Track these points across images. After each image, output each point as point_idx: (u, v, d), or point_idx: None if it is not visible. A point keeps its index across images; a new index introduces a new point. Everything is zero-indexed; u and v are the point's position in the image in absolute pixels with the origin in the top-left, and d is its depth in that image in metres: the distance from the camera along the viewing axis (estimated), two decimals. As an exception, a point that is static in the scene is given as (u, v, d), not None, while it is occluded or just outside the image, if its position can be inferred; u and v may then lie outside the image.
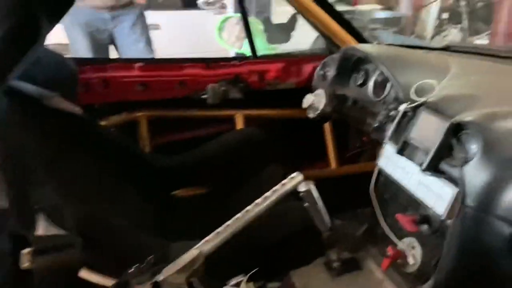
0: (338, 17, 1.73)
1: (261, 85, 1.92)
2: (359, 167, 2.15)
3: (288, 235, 1.20)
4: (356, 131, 2.15)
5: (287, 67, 1.94)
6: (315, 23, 1.76)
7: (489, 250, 0.94)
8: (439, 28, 6.08)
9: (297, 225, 1.22)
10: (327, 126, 2.07)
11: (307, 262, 1.26)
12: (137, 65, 1.73)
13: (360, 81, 1.56)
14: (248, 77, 1.88)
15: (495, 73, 1.33)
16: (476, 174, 0.94)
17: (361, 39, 1.80)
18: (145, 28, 3.01)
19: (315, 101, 1.47)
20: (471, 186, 0.94)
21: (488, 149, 0.93)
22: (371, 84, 1.51)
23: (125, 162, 1.36)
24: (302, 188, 1.11)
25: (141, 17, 2.98)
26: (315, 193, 1.12)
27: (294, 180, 1.16)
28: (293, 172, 1.06)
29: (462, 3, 5.88)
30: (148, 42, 3.01)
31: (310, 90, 1.66)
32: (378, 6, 6.16)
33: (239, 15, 3.50)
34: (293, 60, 1.97)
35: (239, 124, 1.91)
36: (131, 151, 1.46)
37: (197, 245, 0.89)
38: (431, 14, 6.23)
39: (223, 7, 4.86)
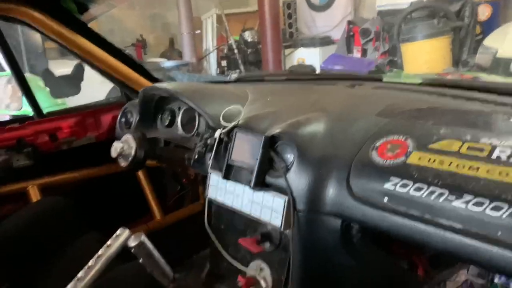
0: (128, 60, 1.66)
1: (54, 146, 1.66)
2: (185, 211, 2.06)
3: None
4: (174, 175, 2.08)
5: (82, 121, 1.74)
6: (104, 70, 1.63)
7: (327, 247, 0.98)
8: (221, 74, 6.78)
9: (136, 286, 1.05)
10: (142, 177, 1.93)
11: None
12: None
13: (166, 122, 1.51)
14: (35, 139, 1.59)
15: (283, 93, 1.48)
16: (298, 179, 0.98)
17: (156, 80, 1.77)
18: None
19: (125, 148, 1.34)
20: (298, 191, 0.98)
21: (301, 154, 0.99)
22: (179, 122, 1.48)
23: None
24: (132, 243, 0.96)
25: None
26: (149, 244, 0.98)
27: (121, 237, 1.00)
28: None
29: (235, 52, 6.72)
30: None
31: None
32: (163, 59, 6.43)
33: (9, 72, 3.05)
34: (88, 113, 1.78)
35: (34, 196, 1.58)
36: None
37: None
38: (211, 62, 6.91)
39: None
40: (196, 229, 1.32)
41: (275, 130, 1.03)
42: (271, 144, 1.03)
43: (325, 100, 1.26)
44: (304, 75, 1.69)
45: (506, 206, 0.70)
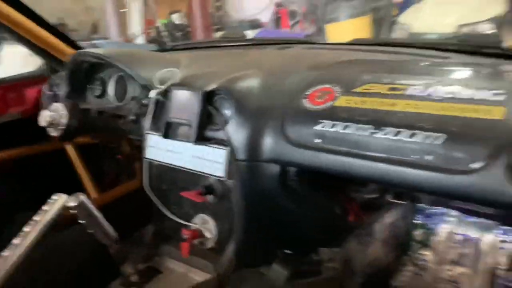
0: (51, 28, 1.56)
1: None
2: (122, 189, 2.02)
3: (74, 267, 1.00)
4: (108, 152, 2.02)
5: (3, 96, 1.62)
6: (25, 38, 1.52)
7: (268, 192, 1.04)
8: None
9: (79, 252, 1.03)
10: (74, 155, 1.85)
11: (102, 290, 1.08)
12: None
13: (97, 92, 1.46)
14: None
15: (217, 56, 1.50)
16: (237, 131, 1.02)
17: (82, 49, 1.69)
18: None
19: (56, 116, 1.28)
20: (237, 142, 1.02)
21: (239, 107, 1.03)
22: (110, 91, 1.44)
23: None
24: (72, 203, 0.94)
25: None
26: (90, 204, 0.97)
27: (58, 200, 0.97)
28: None
29: (164, 34, 6.55)
30: None
31: None
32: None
33: None
34: (8, 87, 1.66)
35: None
36: None
37: None
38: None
39: None
40: (134, 207, 1.32)
41: (212, 86, 1.06)
42: (208, 99, 1.06)
43: (258, 60, 1.31)
44: (236, 41, 1.72)
45: (419, 132, 0.80)
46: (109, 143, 1.90)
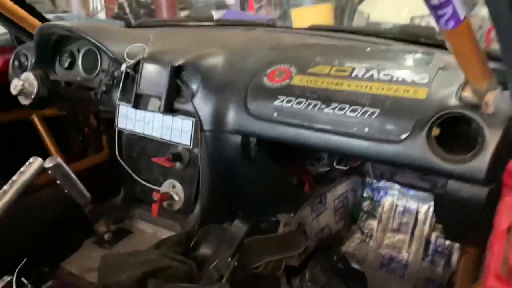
0: (20, 1, 1.57)
1: None
2: (89, 161, 2.06)
3: (50, 224, 1.08)
4: (75, 125, 2.05)
5: None
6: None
7: (231, 160, 1.16)
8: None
9: (55, 211, 1.11)
10: (41, 127, 1.87)
11: (76, 247, 1.17)
12: None
13: (66, 64, 1.50)
14: None
15: (184, 35, 1.58)
16: (203, 103, 1.13)
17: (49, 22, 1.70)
18: None
19: (26, 85, 1.32)
20: (203, 114, 1.13)
21: (205, 81, 1.14)
22: (79, 63, 1.49)
23: None
24: (49, 164, 1.02)
25: None
26: (65, 166, 1.05)
27: (35, 163, 1.04)
28: None
29: (127, 11, 6.41)
30: None
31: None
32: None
33: None
34: None
35: None
36: None
37: None
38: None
39: None
40: (102, 179, 1.39)
41: (181, 61, 1.16)
42: (177, 73, 1.15)
43: (223, 39, 1.40)
44: (203, 20, 1.79)
45: (359, 108, 0.94)
46: (76, 116, 1.94)
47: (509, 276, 0.37)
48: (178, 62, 1.15)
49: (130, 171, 1.27)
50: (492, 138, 0.79)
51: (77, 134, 2.07)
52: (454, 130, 0.86)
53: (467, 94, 0.86)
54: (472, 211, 0.83)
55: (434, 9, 0.64)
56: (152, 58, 1.21)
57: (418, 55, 1.05)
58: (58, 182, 1.04)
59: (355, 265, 1.34)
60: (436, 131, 0.85)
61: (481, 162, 0.79)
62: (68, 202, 1.08)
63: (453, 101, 0.85)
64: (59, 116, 1.83)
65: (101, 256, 0.99)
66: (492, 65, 0.79)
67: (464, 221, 0.89)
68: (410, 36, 1.27)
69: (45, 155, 1.78)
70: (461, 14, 0.65)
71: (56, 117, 1.79)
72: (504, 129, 0.79)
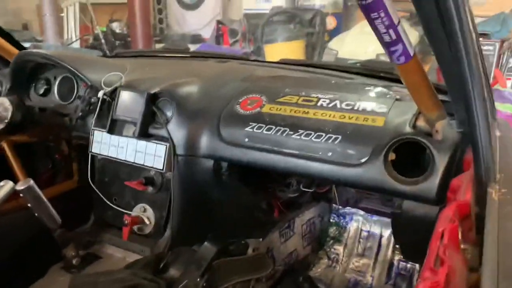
0: (-3, 28, 1.60)
1: None
2: (59, 188, 2.04)
3: (17, 249, 1.07)
4: (46, 151, 2.04)
5: None
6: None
7: (202, 184, 1.19)
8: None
9: (22, 235, 1.10)
10: (9, 153, 1.85)
11: (43, 272, 1.15)
12: None
13: (41, 91, 1.53)
14: None
15: (160, 65, 1.65)
16: (177, 129, 1.18)
17: (24, 49, 1.73)
18: None
19: (0, 110, 1.33)
20: (177, 139, 1.17)
21: (180, 107, 1.19)
22: (55, 90, 1.52)
23: None
24: (21, 186, 1.03)
25: None
26: (37, 189, 1.06)
27: (5, 186, 1.05)
28: None
29: (103, 42, 6.47)
30: None
31: None
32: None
33: None
34: None
35: None
36: None
37: None
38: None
39: None
40: (71, 206, 1.39)
41: (156, 89, 1.21)
42: (152, 100, 1.20)
43: (198, 70, 1.47)
44: (179, 52, 1.87)
45: (324, 134, 1.02)
46: (48, 142, 1.93)
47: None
48: (154, 90, 1.21)
49: (102, 196, 1.28)
50: (441, 162, 0.87)
51: (46, 161, 2.05)
52: (412, 156, 0.94)
53: (420, 123, 0.95)
54: (426, 230, 0.89)
55: (387, 46, 0.72)
56: (129, 86, 1.26)
57: (378, 88, 1.14)
58: (29, 205, 1.04)
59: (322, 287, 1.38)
60: (392, 156, 0.92)
61: (432, 183, 0.87)
62: (36, 227, 1.08)
63: (407, 129, 0.94)
64: (29, 143, 1.82)
65: (71, 276, 0.99)
66: (441, 97, 0.89)
67: (418, 240, 0.95)
68: (371, 71, 1.37)
69: (13, 181, 1.76)
70: (411, 51, 0.74)
71: (26, 143, 1.79)
72: (451, 154, 0.87)
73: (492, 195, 0.59)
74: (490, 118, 0.70)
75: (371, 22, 0.66)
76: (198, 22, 7.57)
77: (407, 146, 0.92)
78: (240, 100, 1.19)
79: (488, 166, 0.63)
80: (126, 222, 1.19)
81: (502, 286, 0.41)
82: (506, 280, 0.41)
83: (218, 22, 6.70)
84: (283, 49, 5.42)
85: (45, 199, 1.08)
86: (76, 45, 6.69)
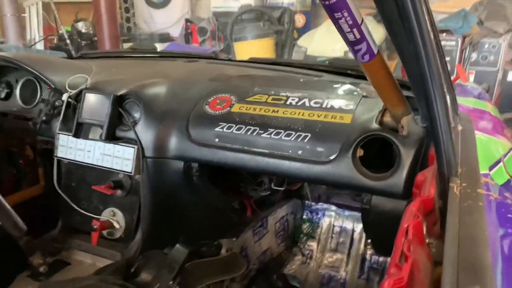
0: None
1: None
2: (23, 194, 1.97)
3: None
4: (9, 157, 1.96)
5: None
6: None
7: (172, 186, 1.18)
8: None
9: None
10: None
11: (8, 281, 1.11)
12: None
13: (2, 95, 1.47)
14: None
15: (127, 65, 1.61)
16: (145, 131, 1.16)
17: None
18: None
19: (-44, 116, 1.27)
20: (145, 141, 1.15)
21: (148, 109, 1.17)
22: (17, 94, 1.46)
23: None
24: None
25: None
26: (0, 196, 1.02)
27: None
28: None
29: (68, 42, 6.28)
30: None
31: None
32: None
33: None
34: None
35: None
36: None
37: None
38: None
39: None
40: (37, 212, 1.34)
41: (123, 90, 1.18)
42: (119, 102, 1.17)
43: (166, 70, 1.45)
44: (146, 52, 1.83)
45: (293, 133, 1.02)
46: (11, 147, 1.86)
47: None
48: (121, 92, 1.18)
49: (69, 201, 1.25)
50: (407, 157, 0.89)
51: (9, 166, 1.98)
52: (380, 151, 0.96)
53: (386, 119, 0.97)
54: (394, 224, 0.92)
55: (351, 45, 0.73)
56: (95, 88, 1.22)
57: (345, 85, 1.16)
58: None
59: (296, 284, 1.39)
60: (360, 152, 0.94)
61: (398, 178, 0.89)
62: (0, 235, 1.04)
63: (374, 125, 0.95)
64: None
65: (39, 285, 0.95)
66: (406, 93, 0.91)
67: (388, 234, 0.98)
68: (339, 69, 1.39)
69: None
70: (375, 49, 0.76)
71: None
72: (416, 149, 0.90)
73: (453, 189, 0.60)
74: (451, 113, 0.73)
75: (335, 21, 0.67)
76: (166, 21, 7.46)
77: (376, 142, 0.94)
78: (209, 100, 1.18)
79: (450, 160, 0.65)
80: (95, 227, 1.16)
81: (462, 279, 0.42)
82: (466, 272, 0.43)
83: (187, 20, 6.62)
84: (252, 46, 5.44)
85: (8, 206, 1.03)
86: (40, 46, 6.46)
